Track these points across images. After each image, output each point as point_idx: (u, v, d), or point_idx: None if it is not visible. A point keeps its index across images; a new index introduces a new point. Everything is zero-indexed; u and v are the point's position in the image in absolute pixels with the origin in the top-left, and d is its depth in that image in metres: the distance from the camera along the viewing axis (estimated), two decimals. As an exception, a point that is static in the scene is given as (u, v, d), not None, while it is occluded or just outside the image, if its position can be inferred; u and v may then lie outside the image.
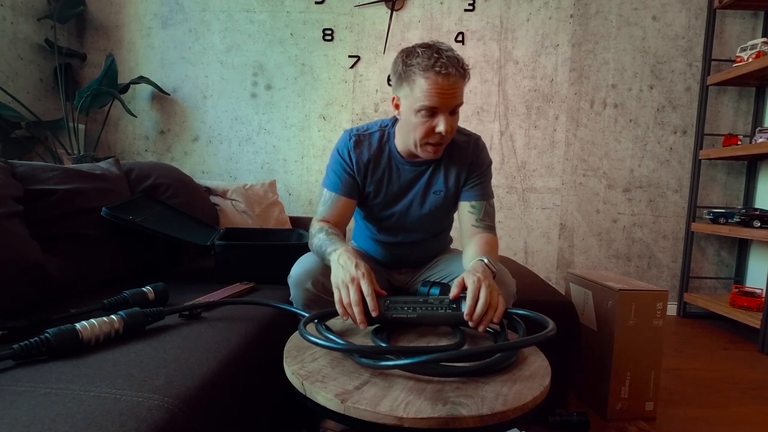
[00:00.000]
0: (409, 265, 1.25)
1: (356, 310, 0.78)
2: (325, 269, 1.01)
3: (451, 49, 0.93)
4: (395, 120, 1.11)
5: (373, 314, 0.78)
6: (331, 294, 1.03)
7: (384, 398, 0.61)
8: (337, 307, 0.81)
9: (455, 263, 1.13)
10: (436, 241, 1.23)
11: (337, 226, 1.06)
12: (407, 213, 1.13)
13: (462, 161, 1.09)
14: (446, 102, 0.93)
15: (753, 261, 2.42)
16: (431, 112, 0.94)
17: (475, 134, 1.13)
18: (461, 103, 0.96)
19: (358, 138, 1.09)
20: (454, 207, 1.15)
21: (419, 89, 0.92)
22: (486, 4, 2.40)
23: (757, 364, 1.84)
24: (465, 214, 1.10)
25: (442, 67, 0.90)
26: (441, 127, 0.94)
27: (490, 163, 1.14)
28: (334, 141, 2.45)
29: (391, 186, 1.10)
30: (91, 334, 0.74)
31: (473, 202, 1.10)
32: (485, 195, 1.11)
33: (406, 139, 1.03)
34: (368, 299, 0.79)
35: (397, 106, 1.01)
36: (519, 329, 0.81)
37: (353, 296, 0.79)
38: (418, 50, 0.93)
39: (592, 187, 2.48)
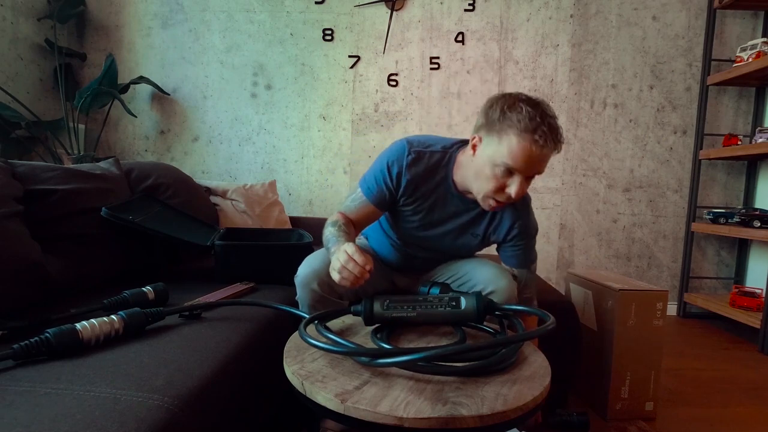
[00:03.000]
0: (418, 271, 1.24)
1: (351, 266, 0.80)
2: None
3: (555, 116, 0.87)
4: (461, 145, 1.04)
5: (367, 267, 0.80)
6: (337, 295, 1.03)
7: (384, 398, 0.61)
8: (333, 273, 0.83)
9: (461, 266, 1.13)
10: (451, 259, 1.20)
11: (355, 226, 1.04)
12: (439, 240, 1.09)
13: (510, 215, 1.05)
14: (530, 169, 0.88)
15: (753, 261, 2.42)
16: (510, 171, 0.89)
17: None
18: (542, 172, 0.91)
19: (418, 155, 1.00)
20: (484, 245, 1.13)
21: (508, 147, 0.86)
22: (486, 4, 2.40)
23: (757, 364, 1.84)
24: None
25: (541, 138, 0.84)
26: (513, 190, 0.89)
27: (537, 230, 1.10)
28: (334, 141, 2.47)
29: (433, 213, 1.05)
30: (91, 334, 0.74)
31: (515, 271, 1.09)
32: (528, 260, 1.10)
33: (469, 180, 0.97)
34: (358, 257, 0.80)
35: (474, 147, 0.94)
36: (519, 328, 0.81)
37: (343, 259, 0.81)
38: (522, 106, 0.86)
39: (592, 187, 2.48)
